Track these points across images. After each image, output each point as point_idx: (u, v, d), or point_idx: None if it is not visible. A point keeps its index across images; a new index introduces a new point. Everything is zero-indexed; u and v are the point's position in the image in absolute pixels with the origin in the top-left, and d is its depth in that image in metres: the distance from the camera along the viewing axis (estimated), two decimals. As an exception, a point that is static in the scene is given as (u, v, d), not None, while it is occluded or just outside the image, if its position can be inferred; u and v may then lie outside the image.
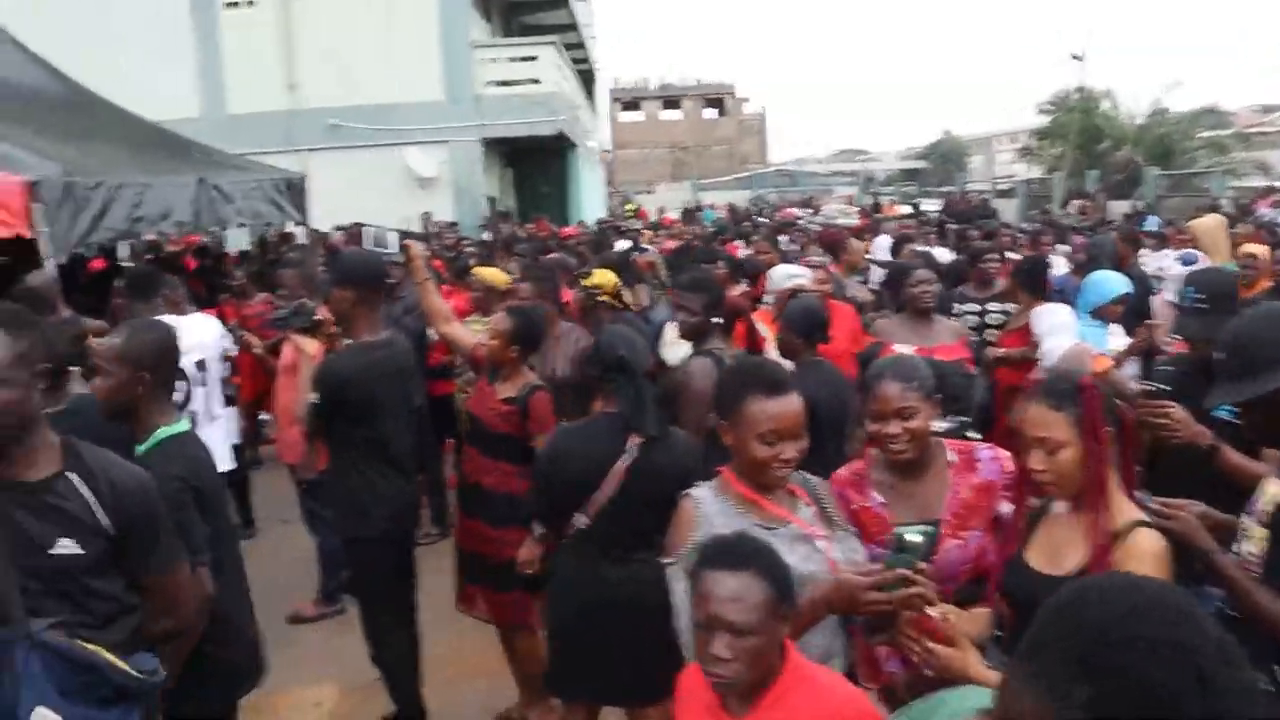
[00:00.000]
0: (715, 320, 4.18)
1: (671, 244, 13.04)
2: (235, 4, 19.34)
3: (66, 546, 2.29)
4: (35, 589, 2.26)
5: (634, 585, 3.10)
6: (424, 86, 19.02)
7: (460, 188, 18.94)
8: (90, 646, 2.21)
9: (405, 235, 4.31)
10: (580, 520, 3.20)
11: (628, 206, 27.90)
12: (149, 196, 7.28)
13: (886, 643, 2.34)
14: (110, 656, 2.22)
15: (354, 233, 13.68)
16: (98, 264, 9.56)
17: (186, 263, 10.61)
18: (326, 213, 12.76)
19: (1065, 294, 5.82)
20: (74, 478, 2.34)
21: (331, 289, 4.10)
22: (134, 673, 2.25)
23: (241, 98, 18.86)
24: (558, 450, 3.32)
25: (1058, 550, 2.34)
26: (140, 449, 2.85)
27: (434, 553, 5.54)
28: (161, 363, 2.91)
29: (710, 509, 2.53)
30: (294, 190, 10.07)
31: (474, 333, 4.33)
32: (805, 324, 4.42)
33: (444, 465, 6.71)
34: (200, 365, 4.97)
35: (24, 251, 6.01)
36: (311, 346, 4.37)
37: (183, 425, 2.97)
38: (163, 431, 2.88)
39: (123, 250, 10.32)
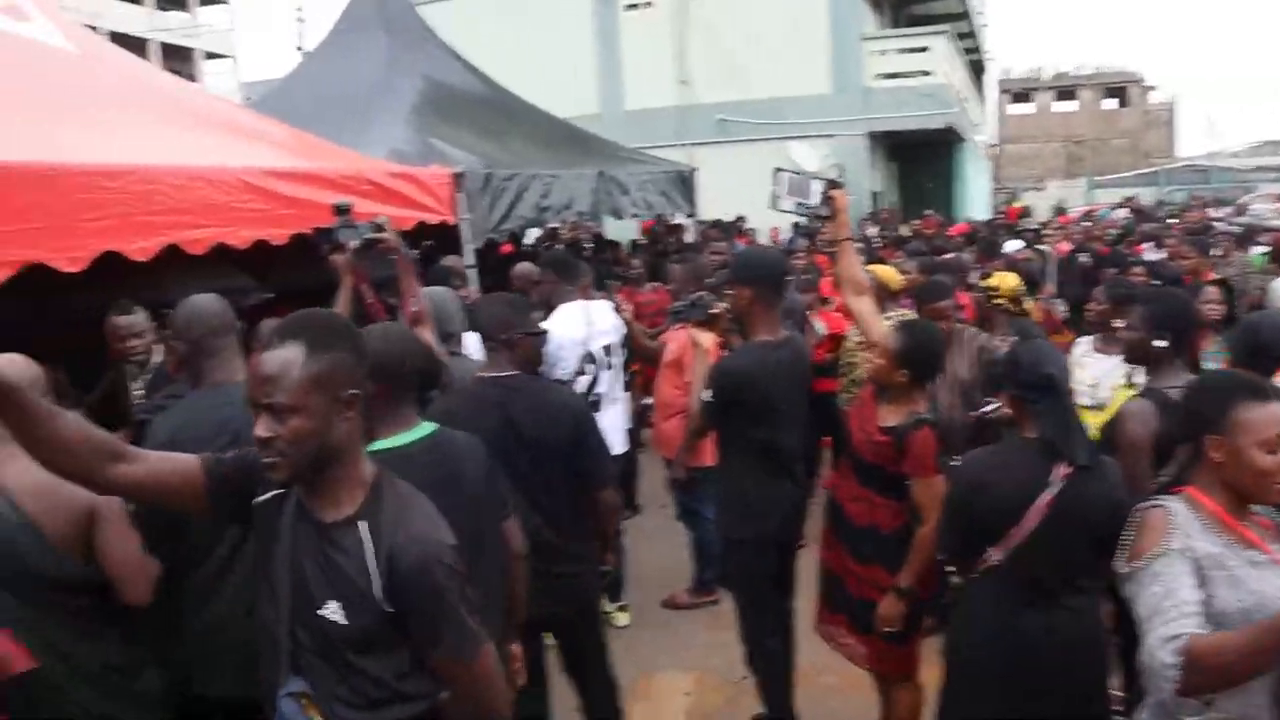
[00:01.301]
0: (1161, 343, 3.41)
1: (1066, 247, 12.10)
2: (635, 6, 20.29)
3: (332, 611, 1.94)
4: (307, 645, 2.00)
5: (1056, 634, 2.81)
6: (811, 81, 18.98)
7: (844, 182, 18.67)
8: None
9: (831, 184, 3.97)
10: (994, 556, 2.90)
11: (1015, 205, 26.31)
12: (555, 187, 7.76)
13: None
14: None
15: (729, 225, 13.95)
16: (506, 249, 10.35)
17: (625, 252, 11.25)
18: (713, 205, 13.01)
19: None
20: (363, 529, 1.96)
21: (731, 285, 4.05)
22: None
23: (637, 95, 19.79)
24: (972, 478, 3.00)
25: None
26: None
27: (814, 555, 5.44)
28: (384, 373, 2.64)
29: (1184, 520, 2.28)
30: (685, 183, 10.36)
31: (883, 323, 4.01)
32: (1247, 350, 3.59)
33: (820, 466, 6.60)
34: (607, 350, 5.15)
35: (447, 237, 6.58)
36: (707, 340, 4.37)
37: (398, 440, 2.70)
38: (372, 446, 2.61)
39: (530, 235, 11.14)
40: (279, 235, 4.82)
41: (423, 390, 2.87)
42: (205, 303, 3.09)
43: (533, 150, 8.66)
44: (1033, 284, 7.16)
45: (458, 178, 6.42)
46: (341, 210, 3.46)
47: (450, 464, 2.72)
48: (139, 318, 4.28)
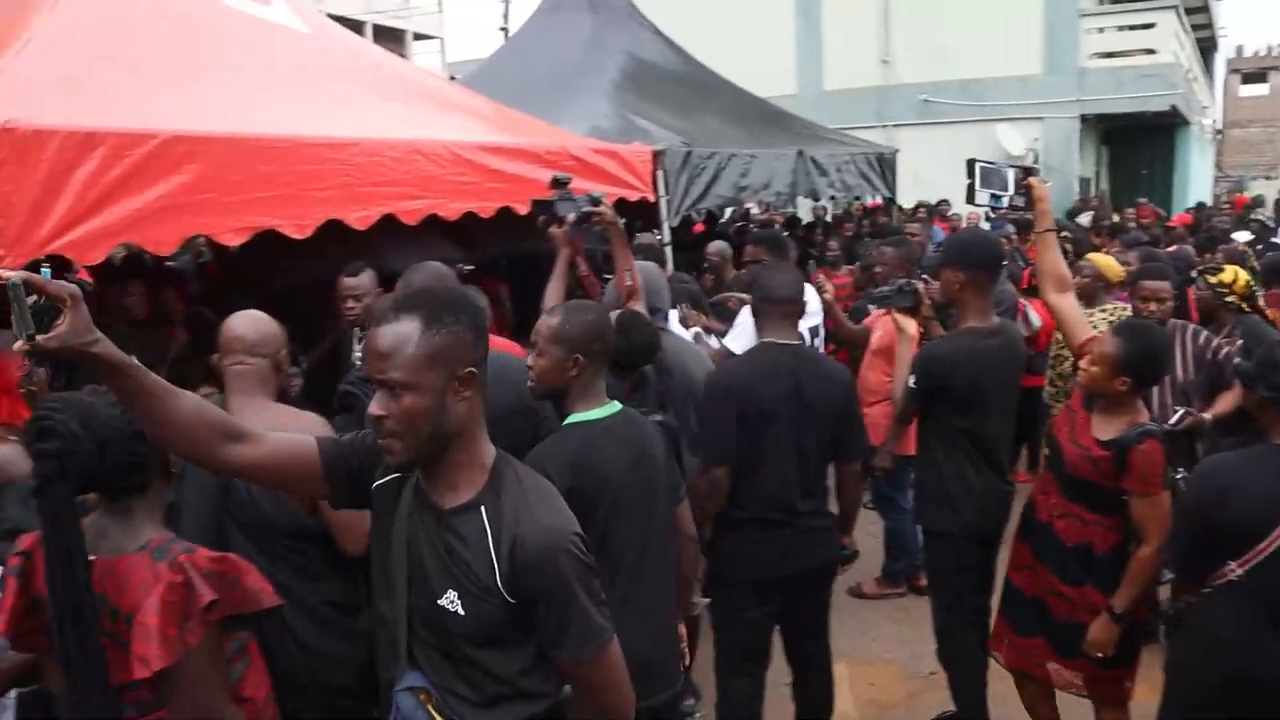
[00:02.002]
0: None
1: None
2: (837, -17, 19.90)
3: (450, 601, 1.84)
4: (424, 637, 1.93)
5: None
6: (1020, 60, 18.17)
7: (1051, 167, 17.76)
8: None
9: (1026, 172, 3.75)
10: (1233, 571, 2.69)
11: (1242, 194, 24.47)
12: (754, 167, 7.69)
13: None
14: None
15: (932, 208, 13.51)
16: (699, 227, 10.36)
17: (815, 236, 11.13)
18: (913, 188, 12.66)
19: None
20: (483, 516, 1.85)
21: (942, 269, 3.91)
22: None
23: (837, 74, 19.44)
24: (1215, 485, 2.78)
25: None
26: None
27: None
28: (595, 346, 2.73)
29: None
30: (884, 165, 10.11)
31: (1089, 321, 3.77)
32: None
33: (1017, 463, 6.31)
34: (814, 331, 5.10)
35: (646, 213, 6.62)
36: (912, 326, 4.25)
37: (596, 413, 2.73)
38: (572, 417, 2.72)
39: (728, 213, 11.11)
40: (487, 208, 4.96)
41: (640, 364, 2.92)
42: (438, 270, 3.27)
43: (731, 129, 8.61)
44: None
45: (658, 155, 6.45)
46: (560, 183, 3.53)
47: (640, 443, 2.79)
48: (364, 280, 4.38)
